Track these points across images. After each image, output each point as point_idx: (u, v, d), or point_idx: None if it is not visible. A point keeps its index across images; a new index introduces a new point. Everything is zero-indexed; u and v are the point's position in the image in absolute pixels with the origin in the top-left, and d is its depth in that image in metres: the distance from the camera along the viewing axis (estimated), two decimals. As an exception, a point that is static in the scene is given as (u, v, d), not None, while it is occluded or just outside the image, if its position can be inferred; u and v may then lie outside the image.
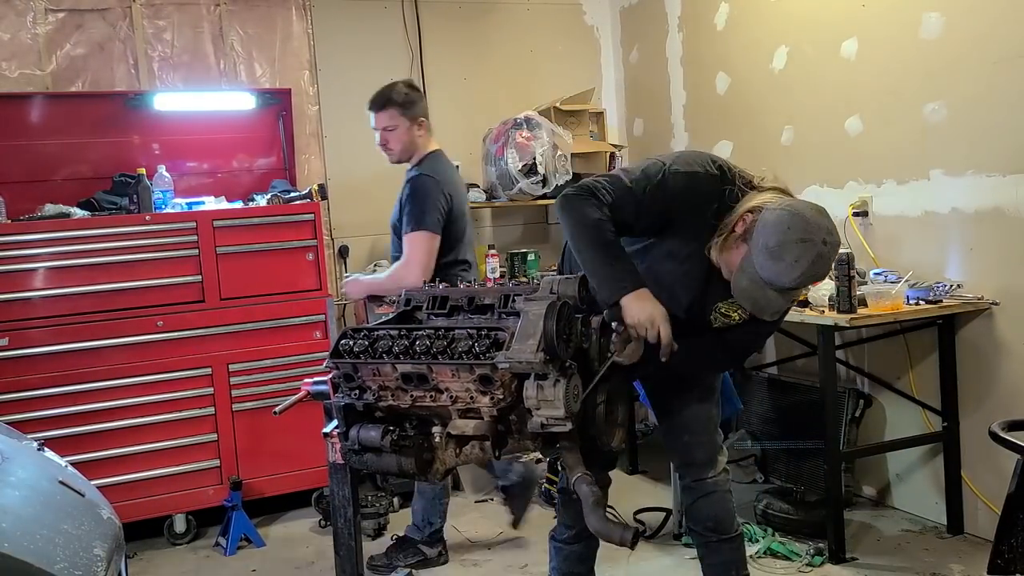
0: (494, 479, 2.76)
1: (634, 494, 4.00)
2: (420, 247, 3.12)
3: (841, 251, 3.08)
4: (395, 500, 4.00)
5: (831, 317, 3.10)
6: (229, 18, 4.48)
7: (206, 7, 4.44)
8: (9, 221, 3.60)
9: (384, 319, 2.16)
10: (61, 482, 1.87)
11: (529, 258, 4.63)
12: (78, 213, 3.75)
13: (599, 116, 5.08)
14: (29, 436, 2.33)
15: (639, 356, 2.01)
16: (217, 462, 3.77)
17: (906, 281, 3.21)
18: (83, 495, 1.91)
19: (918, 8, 3.31)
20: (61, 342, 3.54)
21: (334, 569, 2.24)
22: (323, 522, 3.83)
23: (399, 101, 3.20)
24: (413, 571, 3.29)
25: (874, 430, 3.71)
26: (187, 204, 3.97)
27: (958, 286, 3.23)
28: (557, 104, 4.77)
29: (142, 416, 3.65)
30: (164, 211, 3.84)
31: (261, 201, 4.07)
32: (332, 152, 4.70)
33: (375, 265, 4.51)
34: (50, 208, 3.69)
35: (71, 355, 3.55)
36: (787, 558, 3.23)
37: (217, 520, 3.73)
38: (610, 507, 2.51)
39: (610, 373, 1.94)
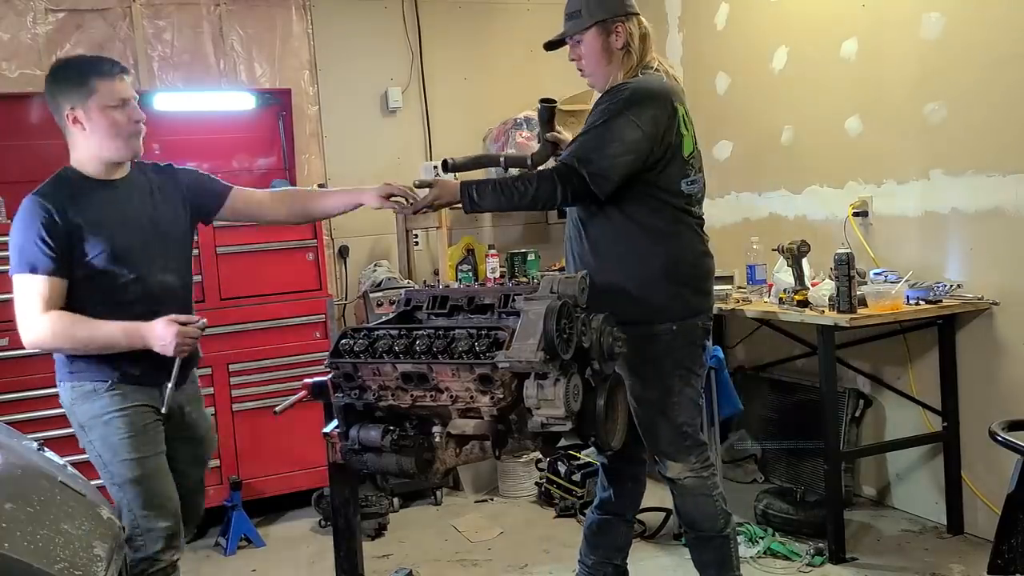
0: None
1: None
2: None
3: (841, 251, 3.11)
4: (395, 500, 4.00)
5: (831, 317, 3.10)
6: (229, 18, 4.48)
7: (206, 7, 4.44)
8: (9, 221, 3.59)
9: (384, 319, 2.16)
10: (61, 482, 1.87)
11: (529, 258, 4.63)
12: (78, 213, 3.74)
13: (599, 116, 5.08)
14: (29, 436, 2.33)
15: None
16: (217, 462, 3.76)
17: (906, 281, 3.21)
18: (83, 495, 1.91)
19: (918, 8, 3.31)
20: (61, 342, 3.54)
21: (334, 569, 2.24)
22: (323, 522, 3.83)
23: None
24: (413, 571, 3.29)
25: (874, 430, 3.71)
26: (187, 204, 3.96)
27: (958, 286, 3.23)
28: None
29: (142, 416, 3.65)
30: (164, 211, 3.84)
31: (261, 201, 4.06)
32: (332, 152, 4.70)
33: (375, 265, 4.51)
34: (50, 208, 3.68)
35: (71, 355, 3.55)
36: (787, 558, 3.23)
37: (217, 520, 3.73)
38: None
39: (611, 373, 1.94)
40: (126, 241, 2.25)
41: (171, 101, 4.25)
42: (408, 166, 4.53)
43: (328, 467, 2.18)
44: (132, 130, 2.26)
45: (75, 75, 2.23)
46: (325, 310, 3.96)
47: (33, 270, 2.17)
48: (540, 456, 4.06)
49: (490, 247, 4.55)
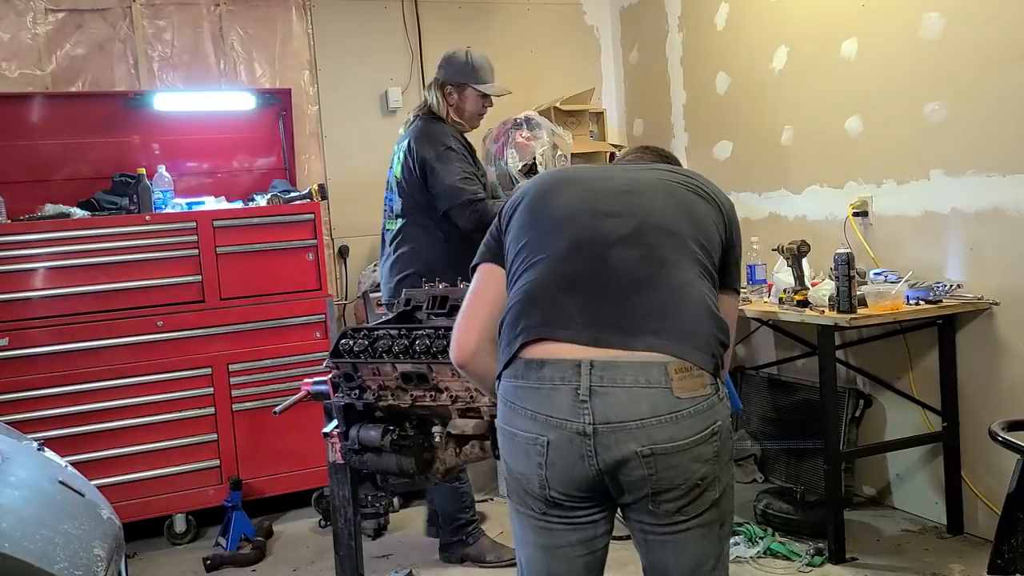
0: None
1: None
2: None
3: (841, 251, 3.11)
4: (395, 500, 4.00)
5: (831, 317, 3.10)
6: (229, 18, 4.48)
7: (206, 7, 4.44)
8: (9, 221, 3.60)
9: (384, 319, 2.16)
10: (61, 482, 1.87)
11: (529, 258, 4.63)
12: (78, 213, 3.75)
13: (599, 116, 5.08)
14: (29, 436, 2.33)
15: None
16: (217, 462, 3.77)
17: (906, 281, 3.21)
18: (83, 495, 1.91)
19: (918, 8, 3.31)
20: (61, 342, 3.54)
21: (334, 569, 2.24)
22: (323, 522, 3.83)
23: None
24: (413, 571, 3.29)
25: (874, 430, 3.71)
26: (187, 204, 3.96)
27: (958, 286, 3.23)
28: (557, 104, 4.76)
29: (142, 416, 3.65)
30: (164, 211, 3.84)
31: (261, 201, 4.07)
32: (332, 152, 4.71)
33: (375, 265, 4.51)
34: (50, 208, 3.69)
35: (71, 355, 3.56)
36: (787, 558, 3.23)
37: (217, 520, 3.73)
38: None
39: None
40: None
41: (171, 101, 4.26)
42: (408, 166, 4.52)
43: (328, 467, 2.18)
44: None
45: None
46: (325, 310, 3.95)
47: None
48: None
49: (490, 247, 4.54)
